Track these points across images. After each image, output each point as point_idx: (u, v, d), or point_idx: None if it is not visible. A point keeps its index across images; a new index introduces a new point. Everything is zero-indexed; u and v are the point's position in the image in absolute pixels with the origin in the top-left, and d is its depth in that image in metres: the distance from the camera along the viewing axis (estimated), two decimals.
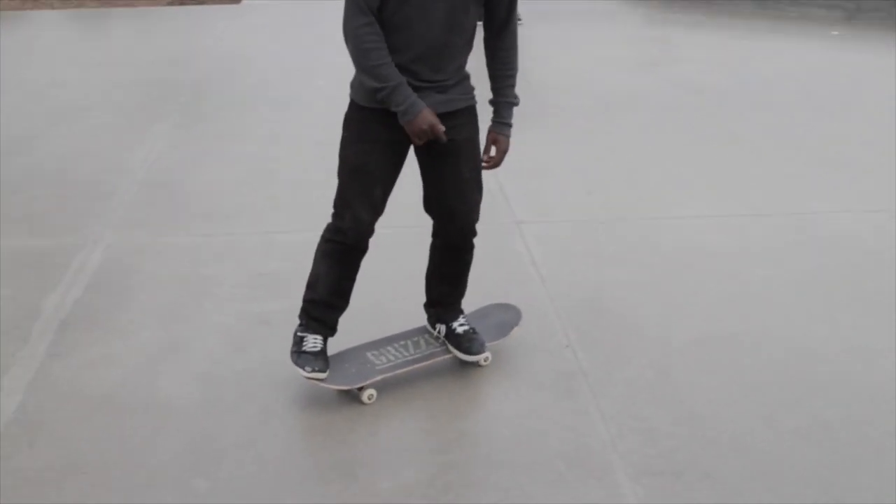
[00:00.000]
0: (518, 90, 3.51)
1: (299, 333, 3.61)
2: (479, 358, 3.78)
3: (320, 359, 3.54)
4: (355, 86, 3.36)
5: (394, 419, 3.51)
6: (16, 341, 4.00)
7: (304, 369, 3.50)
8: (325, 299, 3.57)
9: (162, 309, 4.27)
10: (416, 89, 3.23)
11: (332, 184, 5.55)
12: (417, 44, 3.22)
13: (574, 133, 6.68)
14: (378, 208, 3.47)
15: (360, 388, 3.58)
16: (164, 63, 8.74)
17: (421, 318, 3.92)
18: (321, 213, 5.15)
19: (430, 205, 3.59)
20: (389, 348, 3.78)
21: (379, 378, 3.60)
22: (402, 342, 3.83)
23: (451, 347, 3.80)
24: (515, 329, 3.96)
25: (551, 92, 7.62)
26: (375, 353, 3.74)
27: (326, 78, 7.92)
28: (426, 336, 3.88)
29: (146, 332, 4.08)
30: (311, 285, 3.60)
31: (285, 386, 3.67)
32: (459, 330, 3.80)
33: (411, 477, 3.20)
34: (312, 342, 3.57)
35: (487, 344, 3.82)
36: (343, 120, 3.41)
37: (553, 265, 4.69)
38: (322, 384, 3.52)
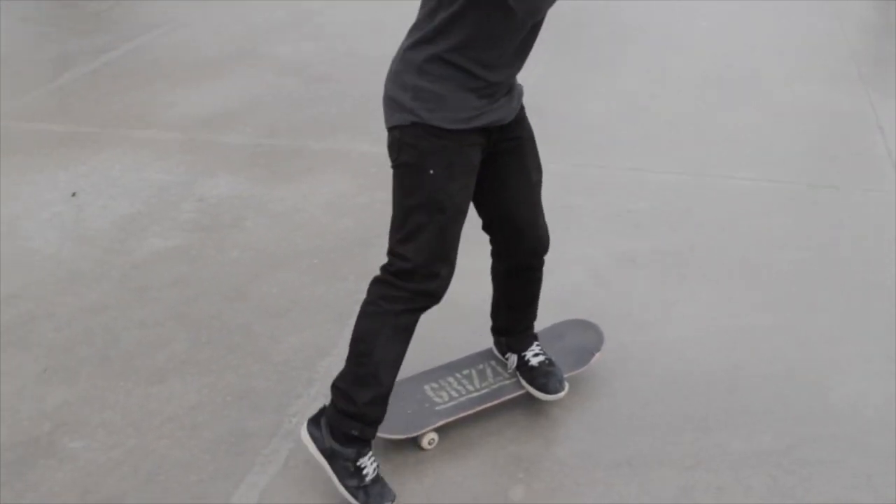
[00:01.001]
0: None
1: (357, 463, 2.75)
2: (558, 397, 3.19)
3: (386, 484, 2.80)
4: (428, 100, 2.54)
5: (755, 380, 3.38)
6: None
7: None
8: (388, 389, 2.77)
9: None
10: (495, 100, 2.65)
11: (706, 127, 5.46)
12: (507, 43, 2.58)
13: None
14: None
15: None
16: None
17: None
18: (695, 156, 5.10)
19: (493, 220, 2.96)
20: (451, 379, 3.22)
21: (440, 423, 3.05)
22: (466, 371, 3.27)
23: (523, 381, 3.21)
24: (597, 356, 3.33)
25: None
26: (435, 386, 3.18)
27: (710, 19, 7.67)
28: (492, 363, 3.31)
29: None
30: (371, 377, 2.72)
31: (643, 327, 3.63)
32: (534, 361, 3.21)
33: (766, 443, 3.08)
34: (371, 464, 2.78)
35: (564, 375, 3.22)
36: (413, 152, 2.59)
37: None
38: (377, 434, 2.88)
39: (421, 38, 2.53)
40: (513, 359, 3.26)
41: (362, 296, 3.77)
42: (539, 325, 3.33)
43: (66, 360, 3.47)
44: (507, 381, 3.21)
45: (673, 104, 5.92)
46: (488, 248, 4.06)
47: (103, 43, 7.29)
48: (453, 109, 2.55)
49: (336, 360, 3.41)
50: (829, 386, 3.36)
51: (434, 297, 2.73)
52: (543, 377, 3.19)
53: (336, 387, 2.77)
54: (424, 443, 3.02)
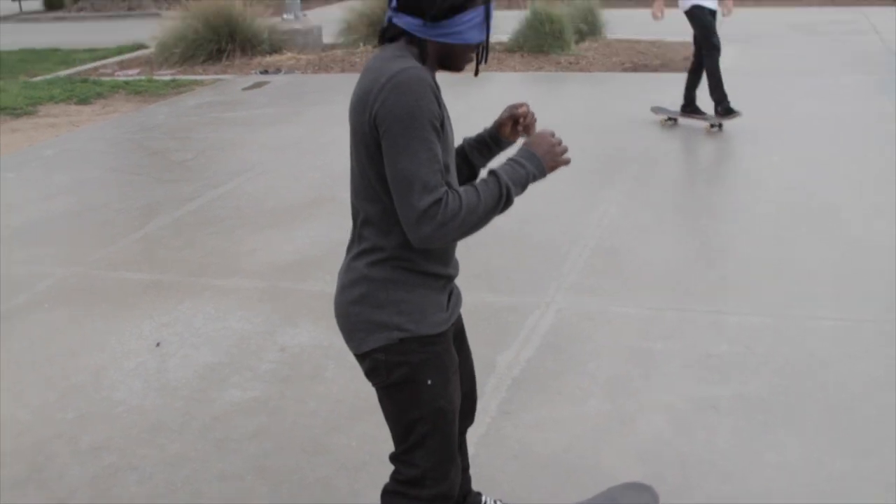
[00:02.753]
0: None
1: None
2: None
3: None
4: (412, 311, 2.52)
5: None
6: None
7: None
8: None
9: (610, 379, 4.29)
10: (447, 285, 2.65)
11: (783, 266, 5.42)
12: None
13: None
14: None
15: None
16: (618, 129, 8.90)
17: None
18: (774, 296, 5.05)
19: None
20: None
21: None
22: None
23: None
24: None
25: None
26: None
27: (781, 153, 7.68)
28: None
29: (593, 400, 4.12)
30: None
31: (728, 478, 3.55)
32: None
33: None
34: None
35: None
36: (405, 369, 2.53)
37: None
38: None
39: (385, 257, 2.50)
40: None
41: None
42: (610, 482, 3.26)
43: None
44: None
45: (749, 243, 5.89)
46: (566, 396, 4.04)
47: (188, 191, 7.53)
48: (434, 312, 2.55)
49: None
50: None
51: (449, 499, 2.69)
52: None
53: None
54: None
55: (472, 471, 3.60)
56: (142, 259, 6.12)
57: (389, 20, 2.51)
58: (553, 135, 2.56)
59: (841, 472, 3.58)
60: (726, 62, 11.95)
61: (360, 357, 2.58)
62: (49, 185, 7.92)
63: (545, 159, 2.53)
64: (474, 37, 2.49)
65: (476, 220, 2.41)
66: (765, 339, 4.61)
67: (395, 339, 2.50)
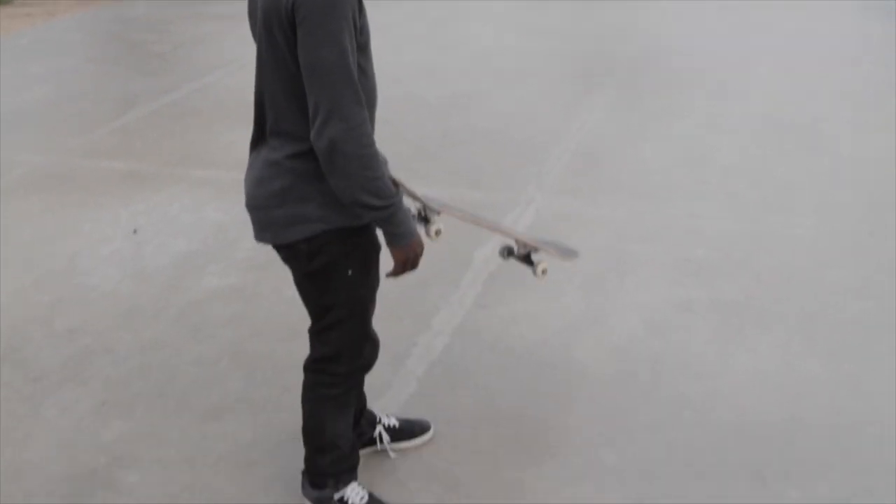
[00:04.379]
0: None
1: (336, 496, 2.86)
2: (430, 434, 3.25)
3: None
4: (336, 205, 2.39)
5: (815, 431, 3.31)
6: (448, 286, 4.22)
7: None
8: (350, 450, 2.88)
9: (585, 278, 4.31)
10: None
11: (764, 175, 5.42)
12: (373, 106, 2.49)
13: None
14: None
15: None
16: (604, 36, 8.81)
17: None
18: (752, 204, 5.06)
19: None
20: None
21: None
22: None
23: (398, 445, 3.19)
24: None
25: None
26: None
27: (768, 66, 7.63)
28: None
29: (568, 297, 4.14)
30: (328, 447, 2.82)
31: (700, 377, 3.59)
32: (393, 421, 3.20)
33: (824, 494, 3.01)
34: (357, 496, 2.87)
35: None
36: (325, 258, 2.49)
37: None
38: None
39: (309, 149, 2.34)
40: (379, 429, 3.18)
41: (418, 338, 3.81)
42: (584, 377, 3.29)
43: (122, 395, 3.51)
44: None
45: (732, 151, 5.87)
46: (541, 292, 4.06)
47: (167, 83, 7.42)
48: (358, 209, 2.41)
49: (390, 402, 3.42)
50: (892, 438, 3.29)
51: (364, 370, 2.84)
52: (409, 425, 3.23)
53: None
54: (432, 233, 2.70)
55: (446, 360, 3.67)
56: (118, 149, 6.05)
57: None
58: (419, 256, 2.48)
59: (813, 374, 3.62)
60: None
61: (278, 247, 2.55)
62: (25, 75, 7.79)
63: (412, 244, 2.44)
64: None
65: (353, 171, 2.27)
66: (741, 245, 4.63)
67: (318, 231, 2.44)
